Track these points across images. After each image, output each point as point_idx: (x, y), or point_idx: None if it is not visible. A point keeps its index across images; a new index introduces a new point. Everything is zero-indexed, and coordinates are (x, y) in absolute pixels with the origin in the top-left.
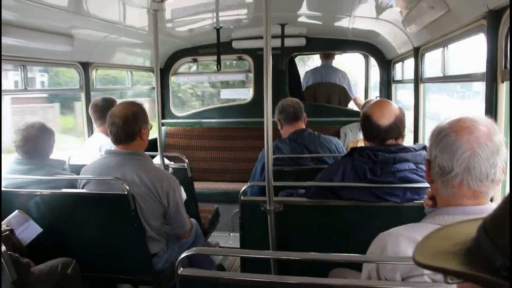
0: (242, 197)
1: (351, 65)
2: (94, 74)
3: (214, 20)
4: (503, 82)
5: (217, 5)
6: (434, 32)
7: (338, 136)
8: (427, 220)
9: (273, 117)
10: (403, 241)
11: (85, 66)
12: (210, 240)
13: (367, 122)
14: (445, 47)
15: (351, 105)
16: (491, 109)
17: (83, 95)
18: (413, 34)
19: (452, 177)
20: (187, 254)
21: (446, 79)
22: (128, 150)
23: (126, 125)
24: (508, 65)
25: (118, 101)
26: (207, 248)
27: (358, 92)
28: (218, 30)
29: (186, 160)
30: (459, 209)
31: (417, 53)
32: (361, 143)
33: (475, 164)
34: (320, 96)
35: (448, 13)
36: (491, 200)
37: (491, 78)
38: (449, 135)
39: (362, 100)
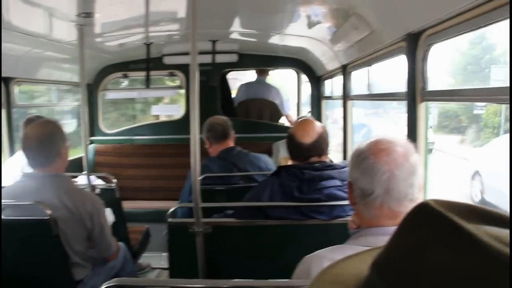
0: (169, 219)
1: (287, 80)
2: (16, 89)
3: (144, 35)
4: (422, 102)
5: (147, 20)
6: (360, 51)
7: (271, 152)
8: (351, 241)
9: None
10: (326, 264)
11: (6, 81)
12: (141, 261)
13: (290, 140)
14: (370, 66)
15: (284, 122)
16: (412, 128)
17: (3, 112)
18: (340, 52)
19: (373, 199)
20: (109, 285)
21: (372, 97)
22: (48, 172)
23: (42, 147)
24: (426, 86)
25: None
26: (129, 278)
27: (291, 109)
28: (148, 46)
29: (114, 180)
30: (381, 230)
31: (345, 71)
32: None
33: (394, 185)
34: (252, 112)
35: (371, 34)
36: None
37: (411, 98)
38: (368, 158)
39: (294, 117)
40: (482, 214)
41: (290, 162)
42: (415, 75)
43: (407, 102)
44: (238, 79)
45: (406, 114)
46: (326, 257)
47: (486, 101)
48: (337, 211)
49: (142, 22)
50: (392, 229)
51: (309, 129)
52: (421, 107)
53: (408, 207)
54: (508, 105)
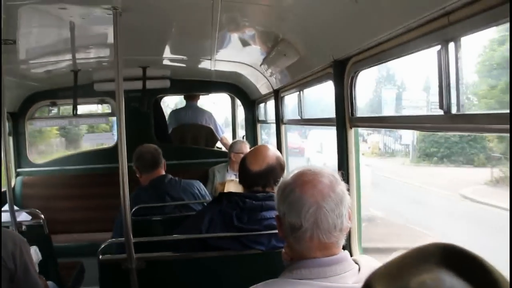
0: (100, 256)
1: (221, 104)
2: None
3: (71, 62)
4: (351, 128)
5: (73, 47)
6: (290, 76)
7: (207, 177)
8: (286, 274)
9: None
10: None
11: None
12: None
13: (241, 165)
14: (301, 91)
15: (219, 145)
16: (342, 154)
17: None
18: (272, 77)
19: (303, 233)
20: None
21: (303, 122)
22: None
23: None
24: (355, 113)
25: None
26: None
27: (225, 132)
28: (76, 73)
29: (42, 216)
30: (314, 262)
31: (277, 95)
32: (228, 184)
33: (322, 217)
34: (187, 138)
35: (300, 60)
36: (344, 248)
37: (340, 124)
38: (294, 191)
39: (229, 140)
40: None
41: (227, 187)
42: (343, 102)
43: (336, 128)
44: None
45: (336, 140)
46: None
47: (421, 129)
48: (276, 241)
49: (68, 49)
50: (326, 260)
51: (259, 157)
52: (351, 133)
53: (339, 237)
54: None
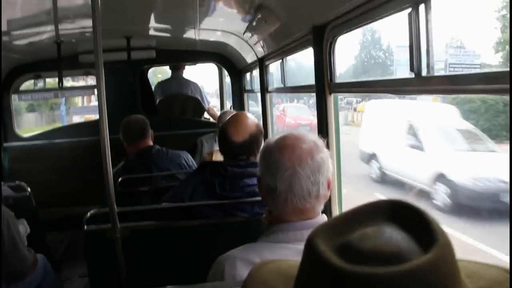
0: (85, 226)
1: (210, 73)
2: None
3: (54, 33)
4: (330, 94)
5: (56, 17)
6: (273, 44)
7: (196, 147)
8: (263, 238)
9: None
10: (239, 263)
11: None
12: (67, 270)
13: (221, 136)
14: (284, 59)
15: (206, 116)
16: (322, 120)
17: None
18: (255, 46)
19: (277, 195)
20: None
21: (286, 90)
22: None
23: None
24: (334, 79)
25: None
26: None
27: (211, 102)
28: (59, 44)
29: (28, 189)
30: (290, 225)
31: (262, 64)
32: (216, 154)
33: (296, 182)
34: (174, 109)
35: (281, 27)
36: (323, 212)
37: (320, 90)
38: (273, 153)
39: (215, 111)
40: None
41: (215, 156)
42: (323, 68)
43: (316, 94)
44: None
45: (316, 107)
46: (238, 257)
47: (392, 93)
48: (259, 208)
49: (50, 19)
50: (302, 224)
51: (241, 128)
52: (330, 99)
53: (314, 203)
54: None
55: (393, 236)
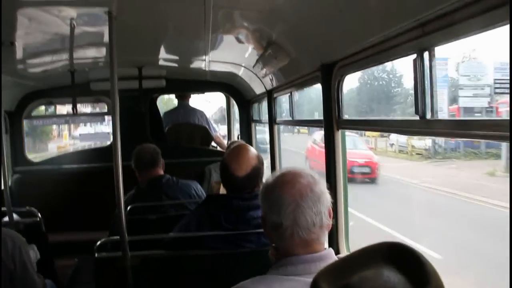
0: (96, 254)
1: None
2: None
3: (68, 62)
4: (338, 130)
5: (71, 48)
6: (282, 78)
7: (204, 176)
8: (273, 271)
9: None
10: None
11: None
12: None
13: (224, 171)
14: (292, 93)
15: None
16: (330, 155)
17: None
18: (264, 78)
19: (283, 231)
20: None
21: (294, 123)
22: None
23: None
24: (341, 115)
25: None
26: None
27: (218, 131)
28: (72, 73)
29: (39, 214)
30: (298, 259)
31: (270, 96)
32: None
33: (300, 215)
34: (182, 137)
35: (290, 63)
36: (330, 244)
37: (328, 126)
38: (274, 191)
39: (222, 139)
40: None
41: (223, 186)
42: (331, 104)
43: (324, 130)
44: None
45: (324, 142)
46: None
47: (397, 133)
48: (265, 239)
49: (65, 49)
50: (309, 257)
51: (243, 162)
52: (338, 135)
53: (319, 234)
54: None
55: (390, 278)
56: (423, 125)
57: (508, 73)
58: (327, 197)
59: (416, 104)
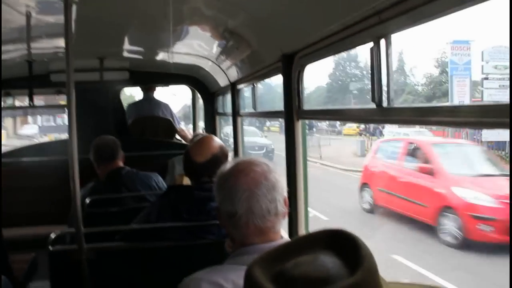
0: (51, 247)
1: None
2: None
3: (26, 52)
4: (298, 120)
5: (29, 36)
6: (245, 70)
7: (167, 169)
8: (230, 261)
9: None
10: (204, 285)
11: None
12: None
13: (185, 157)
14: (255, 84)
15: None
16: (290, 145)
17: None
18: (228, 70)
19: (238, 219)
20: None
21: (257, 114)
22: None
23: None
24: (302, 105)
25: None
26: None
27: (181, 123)
28: (30, 63)
29: None
30: (254, 248)
31: (234, 88)
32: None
33: (254, 203)
34: (146, 130)
35: (252, 54)
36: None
37: (289, 117)
38: (228, 180)
39: (186, 132)
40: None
41: (186, 179)
42: (291, 95)
43: (284, 120)
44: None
45: (284, 132)
46: (204, 279)
47: (358, 122)
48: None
49: (21, 38)
50: (264, 246)
51: (204, 148)
52: (298, 125)
53: (274, 221)
54: None
55: (325, 262)
56: (380, 113)
57: None
58: (282, 185)
59: (372, 92)
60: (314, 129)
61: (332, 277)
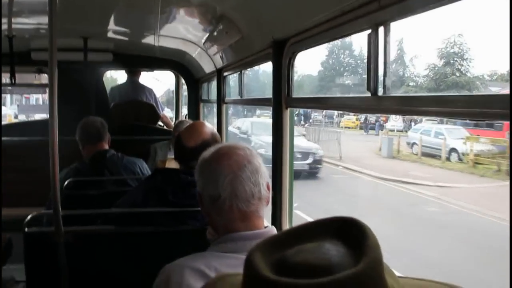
0: (26, 229)
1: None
2: None
3: (6, 26)
4: (287, 108)
5: (10, 10)
6: (233, 56)
7: (149, 154)
8: (213, 248)
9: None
10: (187, 272)
11: None
12: (3, 274)
13: (176, 141)
14: (242, 71)
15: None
16: (277, 133)
17: None
18: (215, 56)
19: (222, 203)
20: None
21: (243, 102)
22: None
23: None
24: (291, 93)
25: None
26: None
27: (165, 109)
28: (10, 39)
29: None
30: (238, 235)
31: (220, 75)
32: (169, 162)
33: (238, 185)
34: (129, 114)
35: (242, 39)
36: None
37: (277, 104)
38: (210, 164)
39: (168, 118)
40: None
41: (168, 164)
42: (281, 82)
43: (272, 108)
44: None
45: (272, 120)
46: (186, 265)
47: (351, 111)
48: None
49: (3, 11)
50: (248, 234)
51: (195, 134)
52: (286, 113)
53: (258, 206)
54: None
55: (329, 251)
56: (375, 102)
57: None
58: (264, 170)
59: (368, 81)
60: (311, 121)
61: (335, 266)
